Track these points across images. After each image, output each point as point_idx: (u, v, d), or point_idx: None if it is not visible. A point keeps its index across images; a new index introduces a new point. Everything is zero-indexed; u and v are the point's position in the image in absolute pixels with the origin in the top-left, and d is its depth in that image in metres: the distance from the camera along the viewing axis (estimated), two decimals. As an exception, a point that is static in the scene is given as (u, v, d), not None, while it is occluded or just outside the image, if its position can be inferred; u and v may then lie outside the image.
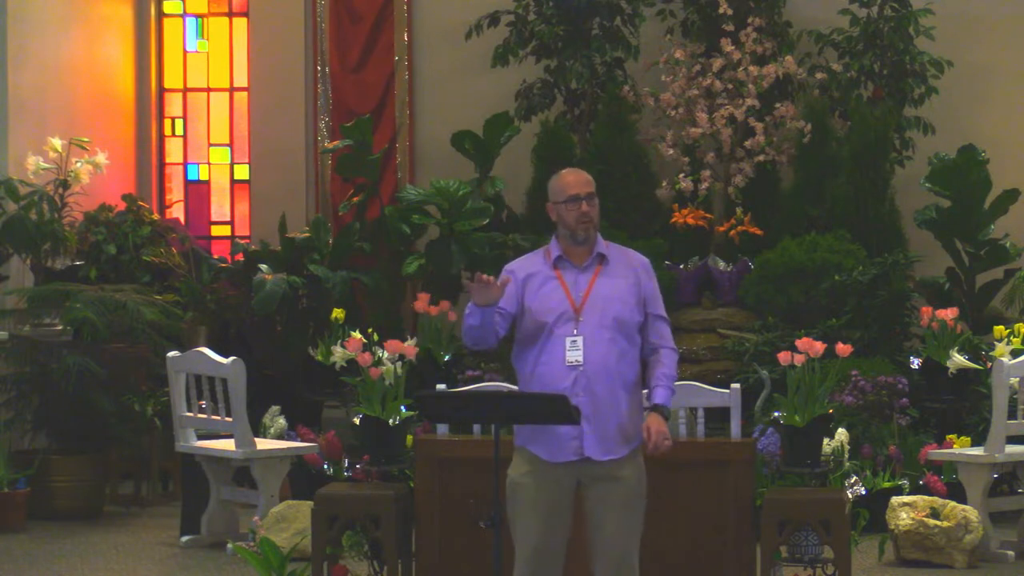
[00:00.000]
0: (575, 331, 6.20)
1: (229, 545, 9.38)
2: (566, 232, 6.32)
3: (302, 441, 10.62)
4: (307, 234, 12.21)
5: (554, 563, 6.23)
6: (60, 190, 11.54)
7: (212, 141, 13.75)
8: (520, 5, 12.59)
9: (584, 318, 6.22)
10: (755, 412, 9.73)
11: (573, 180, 6.33)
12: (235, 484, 10.00)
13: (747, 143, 12.18)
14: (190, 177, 13.74)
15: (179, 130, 13.74)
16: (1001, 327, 10.08)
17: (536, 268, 6.33)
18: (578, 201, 6.27)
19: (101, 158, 11.71)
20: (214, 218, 13.74)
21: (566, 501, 6.24)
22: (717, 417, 8.50)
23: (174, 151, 13.74)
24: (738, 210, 12.08)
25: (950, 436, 10.09)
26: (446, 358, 11.25)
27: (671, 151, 12.24)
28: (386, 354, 8.29)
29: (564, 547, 6.25)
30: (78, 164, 11.61)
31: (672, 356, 6.38)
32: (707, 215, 12.14)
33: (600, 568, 6.26)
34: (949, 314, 10.54)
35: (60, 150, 11.58)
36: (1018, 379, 9.40)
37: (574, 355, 6.18)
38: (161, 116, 13.68)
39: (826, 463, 8.55)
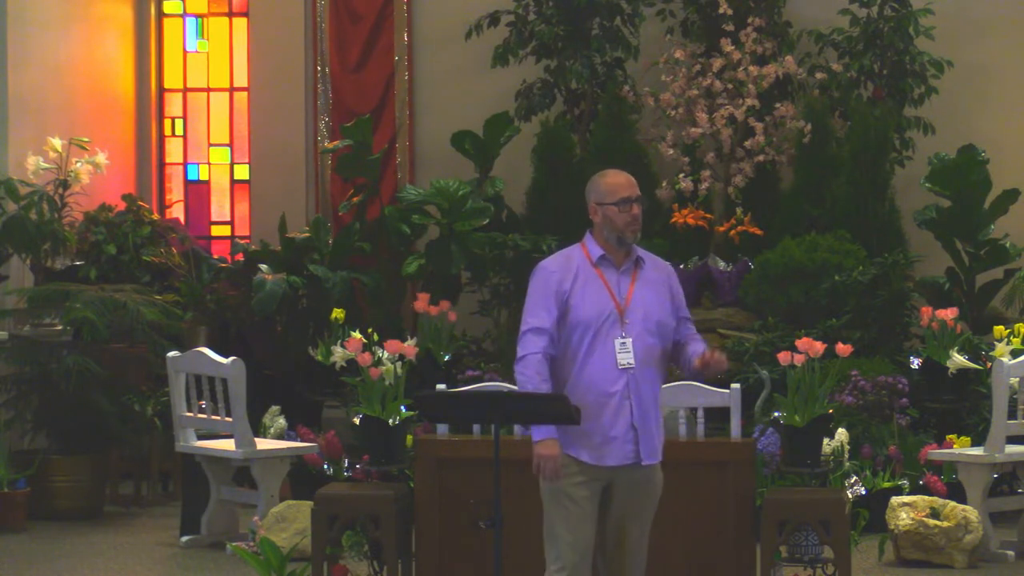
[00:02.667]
0: (623, 333, 6.13)
1: (229, 546, 9.38)
2: (612, 234, 6.25)
3: (302, 441, 10.62)
4: (307, 234, 12.21)
5: (590, 560, 6.19)
6: (60, 190, 11.53)
7: (212, 141, 13.74)
8: (520, 5, 12.58)
9: (629, 320, 6.14)
10: (755, 412, 9.72)
11: (624, 182, 6.29)
12: (235, 484, 10.00)
13: (747, 143, 12.18)
14: (190, 177, 13.74)
15: (179, 130, 13.73)
16: (1001, 327, 10.07)
17: (576, 266, 6.22)
18: (630, 203, 6.24)
19: (101, 158, 11.70)
20: (214, 218, 13.73)
21: (598, 500, 6.19)
22: (717, 417, 8.49)
23: (174, 151, 13.74)
24: (738, 210, 12.07)
25: (950, 436, 10.08)
26: (446, 358, 11.25)
27: (671, 151, 12.24)
28: (386, 354, 8.29)
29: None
30: (78, 164, 11.60)
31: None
32: (707, 215, 12.13)
33: (624, 565, 6.23)
34: (949, 314, 10.53)
35: (60, 150, 11.57)
36: (1018, 379, 9.39)
37: (625, 358, 6.10)
38: (161, 116, 13.68)
39: (826, 463, 8.54)
